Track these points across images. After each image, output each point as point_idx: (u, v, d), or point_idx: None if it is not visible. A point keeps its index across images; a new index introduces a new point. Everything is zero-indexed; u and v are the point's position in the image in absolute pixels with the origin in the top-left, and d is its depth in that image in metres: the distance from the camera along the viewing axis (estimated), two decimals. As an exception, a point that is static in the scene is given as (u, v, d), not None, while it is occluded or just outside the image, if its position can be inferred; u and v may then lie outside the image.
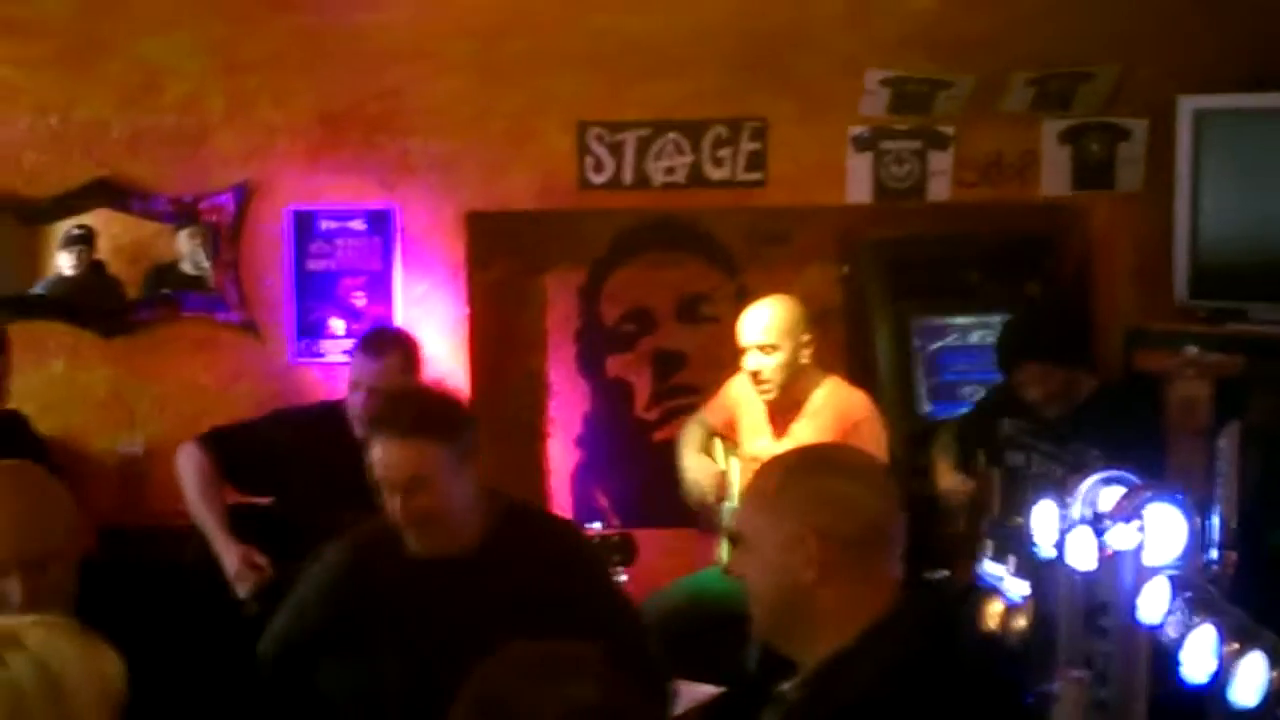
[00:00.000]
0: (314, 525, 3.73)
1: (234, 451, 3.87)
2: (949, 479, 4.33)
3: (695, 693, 3.79)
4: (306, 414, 4.09)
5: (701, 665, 3.91)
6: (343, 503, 3.71)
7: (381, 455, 2.85)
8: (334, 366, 4.67)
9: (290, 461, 3.82)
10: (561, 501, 5.34)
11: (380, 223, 4.77)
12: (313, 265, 4.77)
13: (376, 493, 3.69)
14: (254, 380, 4.79)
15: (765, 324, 4.15)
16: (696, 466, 4.41)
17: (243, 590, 3.70)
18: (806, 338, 4.16)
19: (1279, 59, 4.42)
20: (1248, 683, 2.32)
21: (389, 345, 3.91)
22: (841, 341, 5.20)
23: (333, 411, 3.85)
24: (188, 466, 3.83)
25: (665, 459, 4.70)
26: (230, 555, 3.71)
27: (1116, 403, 4.01)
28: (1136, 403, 4.16)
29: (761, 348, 4.15)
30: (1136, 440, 3.70)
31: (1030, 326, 4.19)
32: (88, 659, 2.17)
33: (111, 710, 2.20)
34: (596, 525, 4.21)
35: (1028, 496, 3.24)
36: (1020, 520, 3.26)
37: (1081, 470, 2.95)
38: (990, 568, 3.60)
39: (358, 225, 4.77)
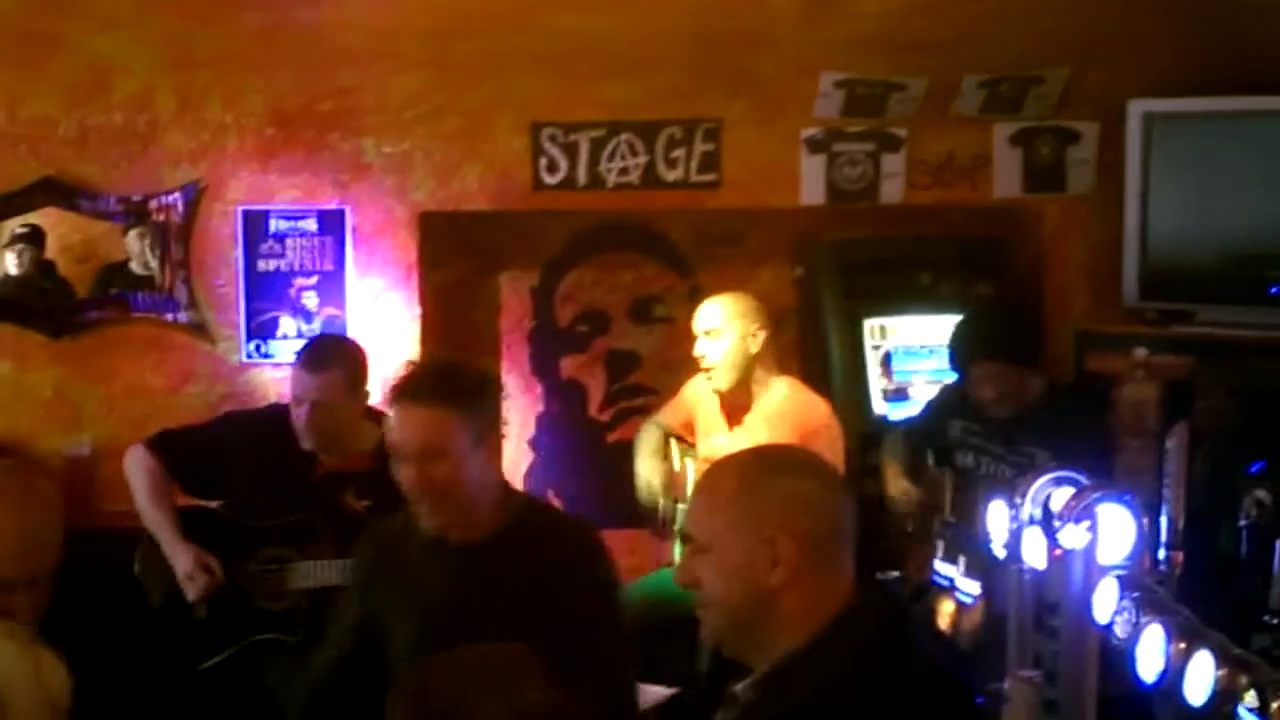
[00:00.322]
0: (261, 528, 3.71)
1: (182, 454, 3.83)
2: (897, 485, 4.34)
3: (648, 694, 3.78)
4: (255, 417, 4.04)
5: (655, 667, 3.90)
6: (290, 506, 3.70)
7: (397, 422, 2.77)
8: (285, 367, 4.63)
9: (238, 465, 3.78)
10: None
11: (332, 223, 4.74)
12: (264, 265, 4.73)
13: (323, 496, 3.70)
14: (204, 381, 4.75)
15: (711, 310, 4.17)
16: (648, 469, 4.42)
17: (192, 594, 3.67)
18: (755, 327, 4.14)
19: (1228, 63, 4.46)
20: (1196, 682, 2.34)
21: (331, 359, 3.73)
22: (795, 342, 5.21)
23: (282, 415, 3.80)
24: (136, 470, 3.79)
25: (619, 459, 4.70)
26: (183, 558, 3.67)
27: (1066, 404, 4.03)
28: (1086, 404, 4.19)
29: (707, 333, 4.16)
30: (1085, 441, 3.73)
31: (986, 325, 4.18)
32: (32, 665, 2.15)
33: (55, 716, 2.17)
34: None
35: (978, 497, 3.26)
36: (971, 520, 3.28)
37: (1031, 471, 2.96)
38: (942, 567, 3.62)
39: (309, 225, 4.74)
